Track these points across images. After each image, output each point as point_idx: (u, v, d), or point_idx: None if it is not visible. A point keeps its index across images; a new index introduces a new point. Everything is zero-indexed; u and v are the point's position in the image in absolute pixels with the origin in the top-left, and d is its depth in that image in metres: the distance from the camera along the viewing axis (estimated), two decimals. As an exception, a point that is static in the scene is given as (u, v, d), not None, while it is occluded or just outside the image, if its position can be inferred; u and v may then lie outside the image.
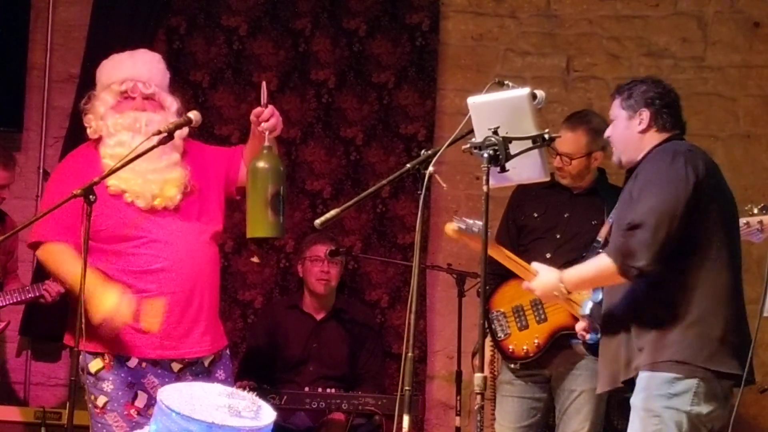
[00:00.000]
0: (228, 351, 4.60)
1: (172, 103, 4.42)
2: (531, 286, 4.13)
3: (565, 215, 5.10)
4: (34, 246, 4.46)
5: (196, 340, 4.41)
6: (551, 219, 5.12)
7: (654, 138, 4.10)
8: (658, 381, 3.91)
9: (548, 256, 5.04)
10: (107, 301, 4.24)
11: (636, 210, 3.90)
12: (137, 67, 4.45)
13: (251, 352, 6.06)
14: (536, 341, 5.03)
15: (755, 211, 4.24)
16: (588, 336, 4.22)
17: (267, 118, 4.23)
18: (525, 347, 5.04)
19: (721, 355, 3.88)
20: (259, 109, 4.25)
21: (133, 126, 4.36)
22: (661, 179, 3.92)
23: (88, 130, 4.47)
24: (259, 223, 4.11)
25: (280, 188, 4.11)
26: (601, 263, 3.96)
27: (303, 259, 6.04)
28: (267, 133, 4.20)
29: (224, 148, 4.84)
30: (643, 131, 4.09)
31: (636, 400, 3.97)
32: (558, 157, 5.02)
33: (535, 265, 4.17)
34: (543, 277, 4.10)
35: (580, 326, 4.27)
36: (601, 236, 4.21)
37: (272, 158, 4.15)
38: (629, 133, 4.11)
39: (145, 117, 4.37)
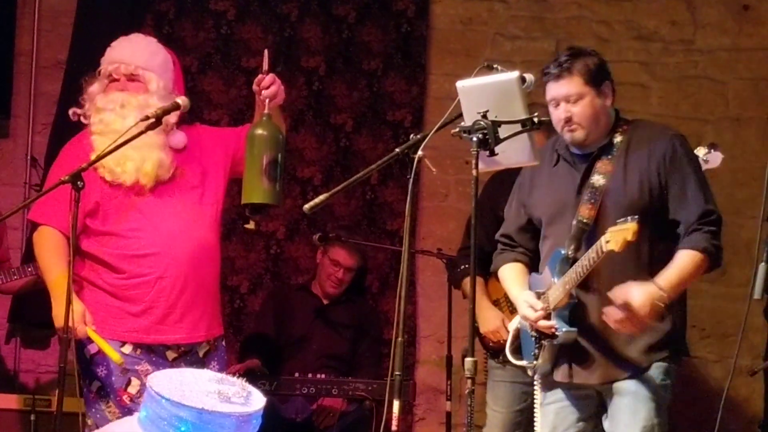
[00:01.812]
0: (224, 343, 4.59)
1: (156, 85, 4.41)
2: (633, 300, 3.81)
3: None
4: (32, 223, 4.51)
5: (191, 326, 4.42)
6: None
7: (611, 109, 4.08)
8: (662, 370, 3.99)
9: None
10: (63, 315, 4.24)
11: (708, 203, 3.92)
12: (123, 50, 4.49)
13: (256, 330, 6.08)
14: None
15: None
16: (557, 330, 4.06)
17: (267, 86, 4.24)
18: (505, 338, 5.04)
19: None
20: (260, 76, 4.25)
21: (108, 106, 4.39)
22: (698, 169, 4.02)
23: (81, 117, 4.49)
24: (254, 190, 4.10)
25: (278, 156, 4.09)
26: (696, 260, 3.87)
27: (326, 251, 6.00)
28: (267, 101, 4.20)
29: (232, 128, 4.83)
30: (609, 105, 4.06)
31: (643, 389, 3.98)
32: None
33: (622, 290, 3.87)
34: (640, 290, 3.84)
35: (548, 323, 4.05)
36: (585, 216, 4.01)
37: (270, 126, 4.14)
38: (600, 110, 4.03)
39: (122, 97, 4.38)
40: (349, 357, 5.98)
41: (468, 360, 3.51)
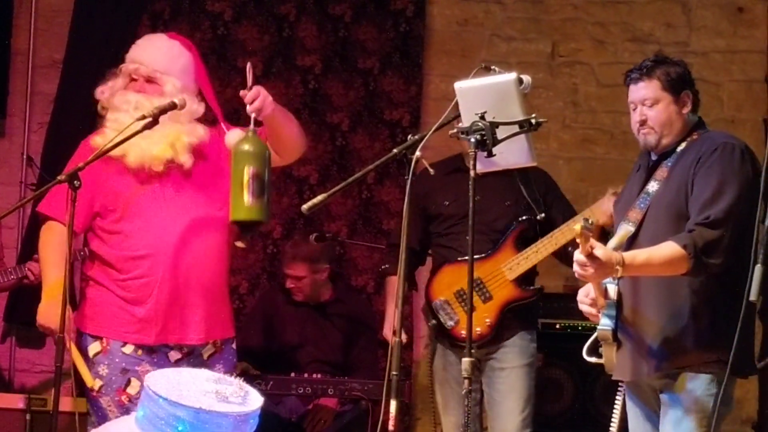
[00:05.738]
0: (234, 345, 4.56)
1: (173, 87, 4.40)
2: (595, 252, 3.71)
3: (476, 198, 5.08)
4: (41, 216, 4.47)
5: (191, 328, 4.39)
6: (463, 204, 5.07)
7: (691, 119, 4.08)
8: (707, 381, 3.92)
9: (467, 238, 5.04)
10: (48, 314, 4.26)
11: (714, 207, 3.83)
12: (144, 50, 4.49)
13: (246, 337, 6.04)
14: (487, 321, 4.98)
15: None
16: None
17: (251, 101, 4.22)
18: (478, 329, 4.96)
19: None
20: (243, 92, 4.24)
21: (123, 106, 4.39)
22: (735, 179, 3.88)
23: (99, 107, 4.50)
24: (239, 207, 4.11)
25: (263, 171, 4.09)
26: (674, 252, 3.77)
27: (283, 264, 6.05)
28: (253, 115, 4.19)
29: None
30: (685, 113, 4.06)
31: (686, 398, 3.93)
32: None
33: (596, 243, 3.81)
34: (605, 250, 3.76)
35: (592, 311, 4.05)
36: (632, 220, 4.00)
37: (254, 141, 4.14)
38: (675, 116, 4.04)
39: (136, 99, 4.38)
40: (342, 362, 5.96)
41: (465, 360, 3.52)
